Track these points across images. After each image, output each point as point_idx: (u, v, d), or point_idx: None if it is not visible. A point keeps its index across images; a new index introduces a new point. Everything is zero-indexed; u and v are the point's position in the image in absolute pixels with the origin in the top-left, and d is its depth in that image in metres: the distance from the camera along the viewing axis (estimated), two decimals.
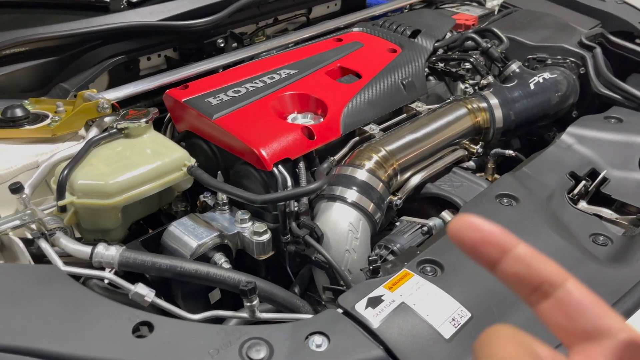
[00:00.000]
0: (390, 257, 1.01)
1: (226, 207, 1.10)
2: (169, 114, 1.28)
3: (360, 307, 0.79)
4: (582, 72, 1.51)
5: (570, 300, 0.35)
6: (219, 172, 1.13)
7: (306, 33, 1.58)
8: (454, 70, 1.50)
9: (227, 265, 1.01)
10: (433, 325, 0.77)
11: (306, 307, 0.96)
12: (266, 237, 1.04)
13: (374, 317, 0.77)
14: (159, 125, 1.28)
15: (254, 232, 1.04)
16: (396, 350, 0.73)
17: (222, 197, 1.09)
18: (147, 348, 0.72)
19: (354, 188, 1.06)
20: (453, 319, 0.78)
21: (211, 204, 1.12)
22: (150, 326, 0.74)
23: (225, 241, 1.04)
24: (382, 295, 0.81)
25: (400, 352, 0.73)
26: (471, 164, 1.31)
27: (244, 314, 0.87)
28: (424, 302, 0.80)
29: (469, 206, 1.03)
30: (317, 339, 0.74)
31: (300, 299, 0.97)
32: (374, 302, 0.80)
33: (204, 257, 1.01)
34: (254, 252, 1.05)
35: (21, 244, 0.88)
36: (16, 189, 0.97)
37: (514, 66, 1.47)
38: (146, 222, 1.24)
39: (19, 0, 1.46)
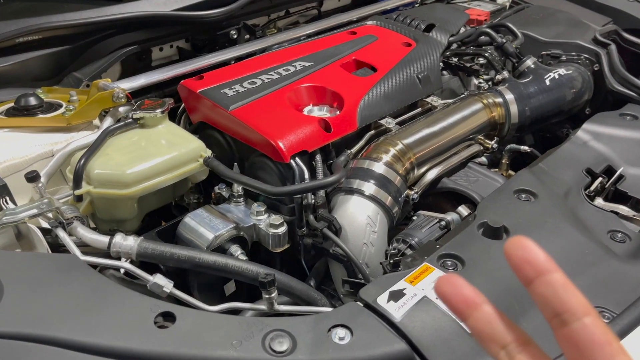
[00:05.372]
0: (409, 251, 1.00)
1: (241, 199, 1.09)
2: (182, 105, 1.27)
3: (382, 301, 0.78)
4: (596, 68, 1.50)
5: (584, 334, 0.37)
6: (235, 163, 1.12)
7: (318, 26, 1.57)
8: (468, 65, 1.49)
9: (243, 257, 1.00)
10: (456, 319, 0.76)
11: (323, 300, 0.95)
12: (282, 229, 1.03)
13: (396, 311, 0.76)
14: (172, 116, 1.27)
15: (270, 224, 1.03)
16: (419, 343, 0.73)
17: (238, 188, 1.09)
18: (169, 338, 0.71)
19: (372, 181, 1.06)
20: None
21: (226, 195, 1.11)
22: (172, 317, 0.74)
23: (241, 233, 1.03)
24: (403, 289, 0.80)
25: (423, 345, 0.72)
26: (484, 159, 1.31)
27: (262, 306, 0.86)
28: None
29: (487, 201, 1.02)
30: (340, 332, 0.73)
31: (317, 292, 0.96)
32: (396, 295, 0.79)
33: (220, 249, 1.00)
34: (270, 245, 1.04)
35: (39, 233, 0.87)
36: (32, 177, 0.97)
37: (529, 62, 1.46)
38: (158, 214, 1.23)
39: None
